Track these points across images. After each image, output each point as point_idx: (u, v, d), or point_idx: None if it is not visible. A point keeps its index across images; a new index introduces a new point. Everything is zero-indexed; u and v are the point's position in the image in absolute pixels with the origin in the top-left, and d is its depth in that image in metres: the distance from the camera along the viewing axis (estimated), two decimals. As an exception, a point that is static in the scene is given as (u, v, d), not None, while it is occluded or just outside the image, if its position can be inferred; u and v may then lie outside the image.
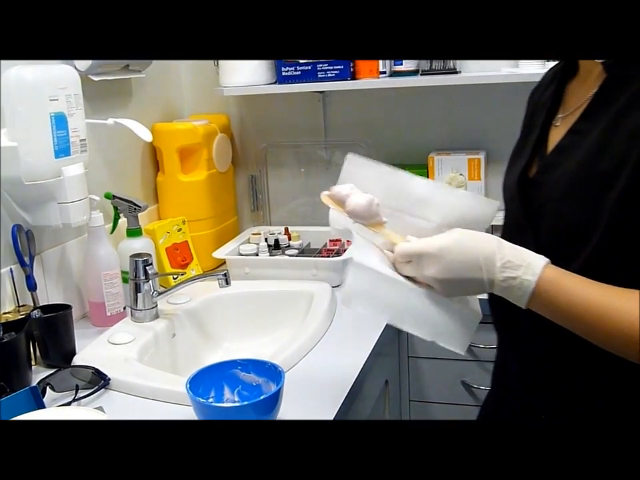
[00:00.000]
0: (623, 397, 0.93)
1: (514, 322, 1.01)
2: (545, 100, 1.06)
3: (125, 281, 1.58)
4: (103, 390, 1.25)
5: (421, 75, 1.82)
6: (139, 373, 1.29)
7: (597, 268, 0.88)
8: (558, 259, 0.90)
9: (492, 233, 0.94)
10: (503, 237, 1.07)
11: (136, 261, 1.49)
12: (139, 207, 1.63)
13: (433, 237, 0.93)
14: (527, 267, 0.86)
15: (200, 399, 1.04)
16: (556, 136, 1.00)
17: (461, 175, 1.87)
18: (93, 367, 1.28)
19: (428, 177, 1.88)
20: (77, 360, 1.35)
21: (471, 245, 0.89)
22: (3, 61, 1.30)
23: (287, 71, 1.87)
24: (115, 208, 1.66)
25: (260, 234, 1.97)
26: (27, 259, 1.44)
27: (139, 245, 1.63)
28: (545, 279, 0.86)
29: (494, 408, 1.16)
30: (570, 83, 1.04)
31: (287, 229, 1.98)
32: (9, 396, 1.08)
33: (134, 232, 1.65)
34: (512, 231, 1.04)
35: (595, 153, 0.89)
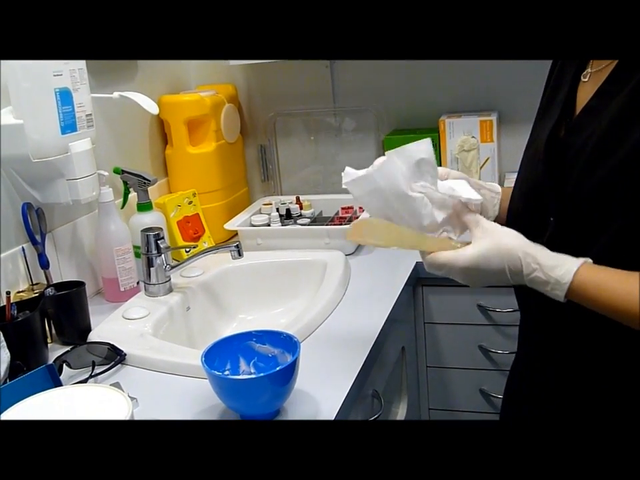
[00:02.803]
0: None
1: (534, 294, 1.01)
2: None
3: (137, 255, 1.57)
4: (119, 365, 1.25)
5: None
6: (154, 347, 1.29)
7: (626, 241, 0.86)
8: (581, 229, 0.89)
9: None
10: (516, 199, 1.05)
11: (147, 235, 1.49)
12: (149, 180, 1.62)
13: (459, 249, 0.94)
14: (554, 283, 0.87)
15: (216, 372, 1.04)
16: (584, 93, 0.96)
17: (473, 137, 1.84)
18: (109, 343, 1.28)
19: (439, 140, 1.85)
20: (93, 336, 1.35)
21: (495, 262, 0.91)
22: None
23: (293, 38, 1.83)
24: (125, 183, 1.65)
25: (271, 204, 1.96)
26: (38, 237, 1.44)
27: (150, 219, 1.63)
28: (573, 291, 0.87)
29: (519, 379, 1.16)
30: None
31: (298, 198, 1.97)
32: (25, 374, 1.08)
33: (144, 206, 1.64)
34: (530, 194, 1.01)
35: (624, 118, 0.87)
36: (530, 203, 1.01)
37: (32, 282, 1.43)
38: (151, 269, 1.49)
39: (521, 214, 1.04)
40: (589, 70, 0.97)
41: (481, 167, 1.84)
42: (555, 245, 0.91)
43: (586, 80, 0.97)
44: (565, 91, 1.00)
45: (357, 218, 1.80)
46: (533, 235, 0.94)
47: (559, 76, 1.05)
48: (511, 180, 1.03)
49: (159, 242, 1.48)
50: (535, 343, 1.07)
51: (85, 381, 1.18)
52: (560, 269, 0.87)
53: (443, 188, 0.98)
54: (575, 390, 0.98)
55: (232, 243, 1.49)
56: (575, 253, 0.89)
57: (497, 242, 0.91)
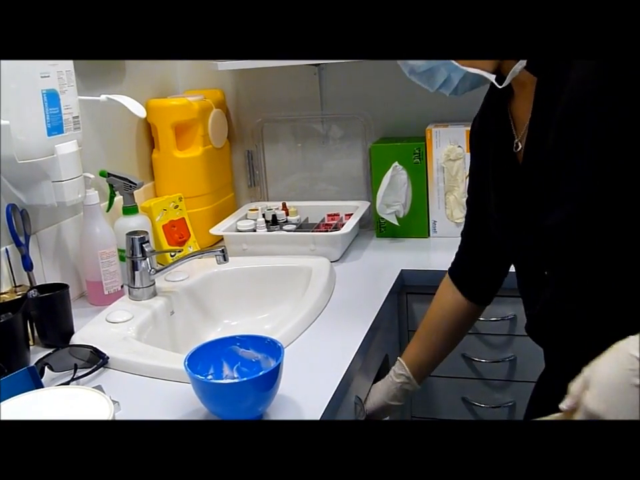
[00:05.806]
0: None
1: (563, 341, 1.00)
2: (491, 130, 1.06)
3: (122, 259, 1.57)
4: (101, 369, 1.25)
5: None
6: (137, 351, 1.28)
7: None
8: (578, 273, 0.92)
9: None
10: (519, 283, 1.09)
11: (132, 238, 1.48)
12: (135, 184, 1.61)
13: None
14: None
15: (198, 376, 1.03)
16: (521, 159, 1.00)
17: (459, 147, 1.85)
18: (91, 346, 1.27)
19: (426, 149, 1.86)
20: (75, 339, 1.34)
21: (611, 369, 0.73)
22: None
23: (282, 44, 1.84)
24: (111, 186, 1.64)
25: (257, 210, 1.96)
26: (22, 239, 1.43)
27: (136, 222, 1.62)
28: None
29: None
30: (511, 104, 1.02)
31: (284, 204, 1.97)
32: (7, 376, 1.07)
33: (130, 210, 1.64)
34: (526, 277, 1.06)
35: (551, 171, 0.90)
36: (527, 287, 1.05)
37: (15, 284, 1.42)
38: (136, 272, 1.48)
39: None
40: (516, 139, 1.00)
41: (466, 177, 1.85)
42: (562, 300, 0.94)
43: (519, 150, 1.00)
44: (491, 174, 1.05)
45: (343, 225, 1.80)
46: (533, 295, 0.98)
47: (477, 162, 1.12)
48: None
49: (144, 245, 1.48)
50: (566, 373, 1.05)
51: (66, 384, 1.18)
52: None
53: None
54: None
55: (217, 248, 1.48)
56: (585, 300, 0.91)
57: (593, 366, 0.76)
